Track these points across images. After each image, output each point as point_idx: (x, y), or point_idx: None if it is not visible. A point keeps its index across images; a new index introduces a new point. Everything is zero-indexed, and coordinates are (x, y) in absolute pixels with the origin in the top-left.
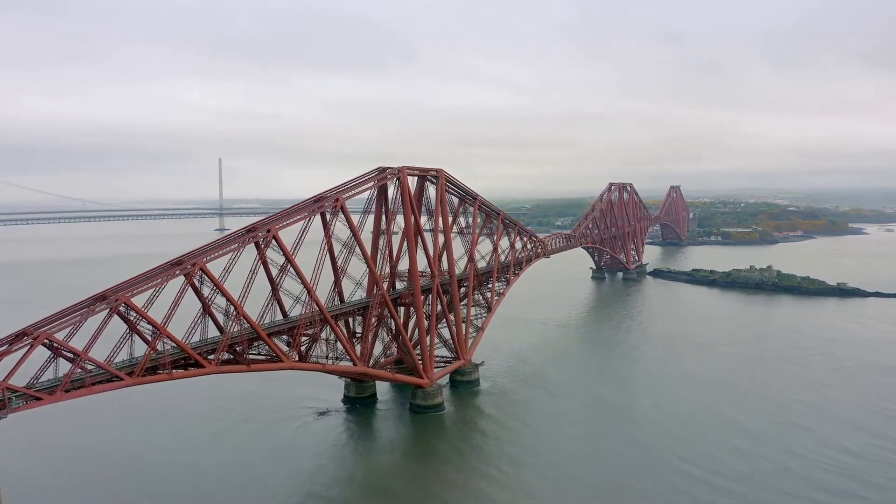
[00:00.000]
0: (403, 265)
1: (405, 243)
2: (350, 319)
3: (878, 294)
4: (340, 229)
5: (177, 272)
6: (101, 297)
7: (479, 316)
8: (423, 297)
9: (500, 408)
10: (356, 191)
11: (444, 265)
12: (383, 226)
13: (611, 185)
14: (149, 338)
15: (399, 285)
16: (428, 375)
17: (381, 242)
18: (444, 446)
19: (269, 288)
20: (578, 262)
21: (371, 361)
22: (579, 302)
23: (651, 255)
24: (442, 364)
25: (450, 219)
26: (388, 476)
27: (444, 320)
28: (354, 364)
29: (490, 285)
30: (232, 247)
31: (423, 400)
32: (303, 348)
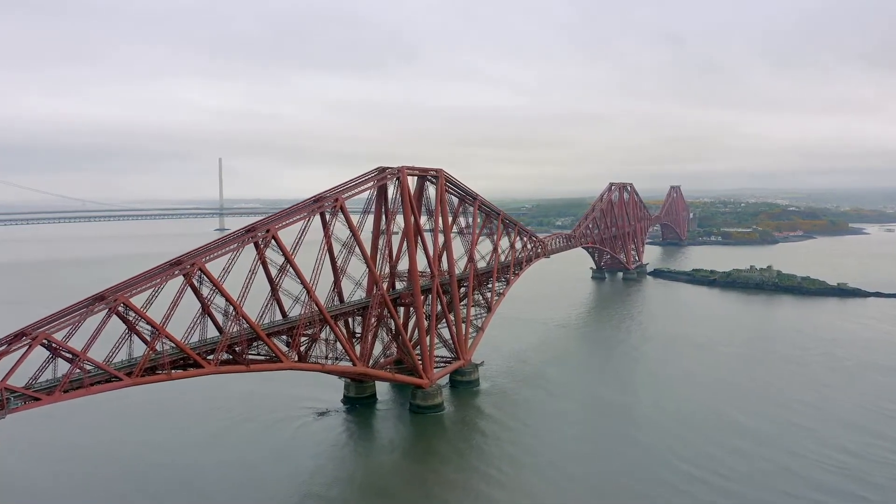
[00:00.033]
0: (403, 265)
1: (405, 243)
2: (350, 319)
3: (878, 294)
4: (340, 229)
5: (176, 272)
6: (99, 298)
7: (478, 316)
8: (422, 297)
9: (500, 408)
10: (356, 191)
11: (444, 265)
12: (383, 226)
13: (611, 185)
14: (148, 338)
15: (399, 285)
16: (428, 376)
17: (380, 242)
18: (443, 446)
19: (269, 288)
20: (578, 262)
21: (371, 362)
22: (579, 302)
23: (651, 255)
24: (442, 364)
25: (450, 219)
26: (388, 476)
27: (444, 320)
28: (354, 364)
29: (490, 285)
30: (231, 247)
31: (423, 400)
32: (302, 348)
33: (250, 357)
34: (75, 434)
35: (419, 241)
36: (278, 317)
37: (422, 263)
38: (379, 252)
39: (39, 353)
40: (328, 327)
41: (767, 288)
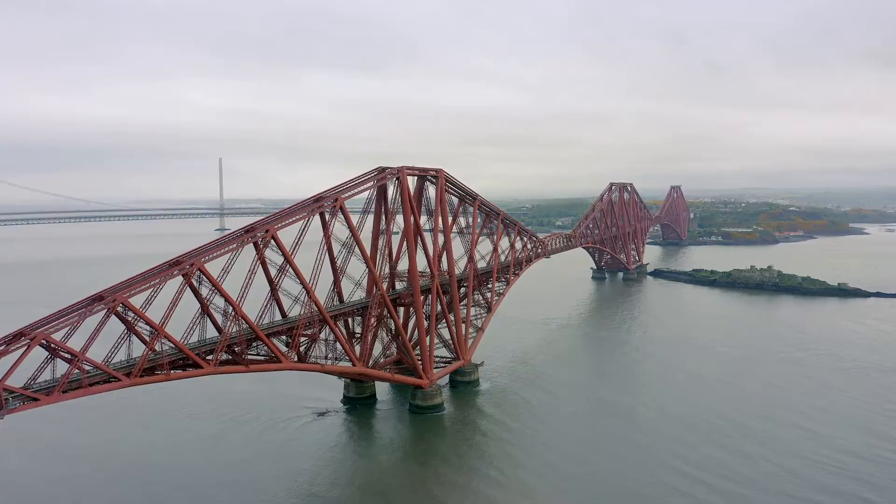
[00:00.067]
0: (403, 265)
1: (405, 243)
2: (349, 320)
3: (879, 294)
4: (340, 229)
5: (175, 272)
6: (98, 298)
7: (478, 316)
8: (422, 297)
9: (501, 408)
10: (355, 191)
11: (444, 265)
12: (383, 226)
13: (611, 185)
14: (147, 338)
15: (399, 285)
16: (427, 376)
17: (380, 242)
18: (443, 447)
19: (268, 288)
20: (579, 262)
21: (370, 362)
22: (579, 302)
23: (651, 256)
24: (442, 364)
25: (449, 219)
26: (388, 477)
27: (444, 320)
28: (353, 364)
29: (490, 285)
30: (230, 247)
31: (423, 400)
32: (302, 349)
33: (250, 357)
34: (74, 434)
35: (419, 241)
36: (278, 317)
37: (421, 263)
38: (379, 252)
39: (38, 354)
40: (328, 327)
41: (768, 288)
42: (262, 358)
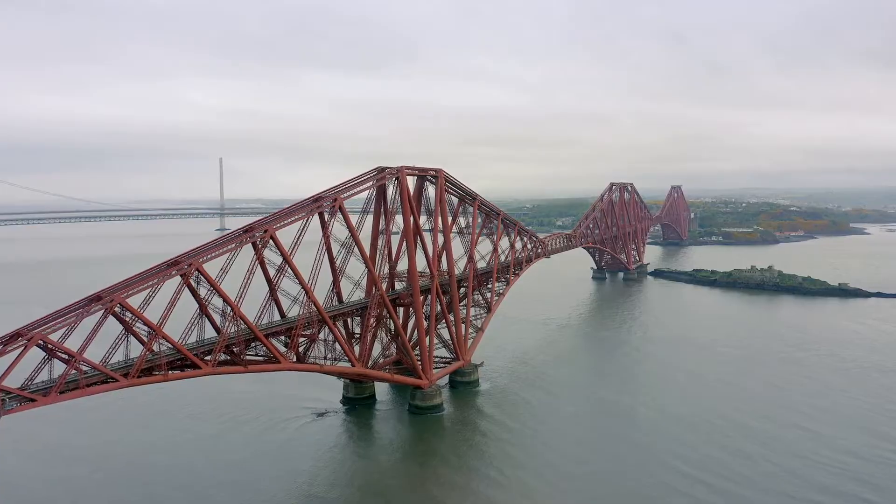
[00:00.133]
0: (402, 265)
1: (404, 243)
2: (348, 320)
3: (879, 294)
4: (339, 229)
5: (173, 272)
6: (96, 298)
7: (478, 316)
8: (422, 297)
9: (500, 408)
10: (355, 191)
11: (444, 265)
12: (382, 226)
13: (611, 184)
14: (145, 339)
15: (398, 286)
16: (427, 376)
17: (380, 242)
18: (443, 447)
19: (267, 288)
20: (579, 262)
21: (370, 362)
22: (580, 302)
23: (652, 255)
24: (441, 365)
25: (449, 219)
26: (387, 477)
27: (444, 321)
28: (353, 365)
29: (490, 285)
30: (229, 247)
31: (423, 401)
32: (301, 349)
33: (248, 358)
34: (72, 435)
35: (418, 241)
36: (277, 317)
37: (421, 264)
38: (378, 252)
39: (35, 354)
40: (327, 328)
41: (768, 288)
42: (261, 358)
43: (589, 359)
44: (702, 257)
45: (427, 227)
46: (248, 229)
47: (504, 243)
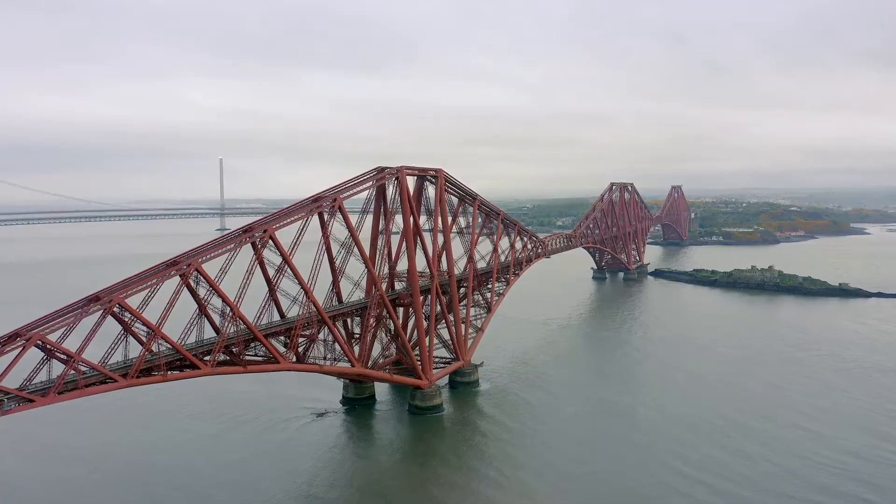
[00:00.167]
0: (402, 265)
1: (404, 243)
2: (348, 320)
3: (880, 294)
4: (339, 229)
5: (172, 273)
6: (94, 298)
7: (478, 316)
8: (422, 297)
9: (500, 409)
10: (354, 191)
11: (444, 265)
12: (382, 226)
13: (612, 184)
14: (143, 339)
15: (398, 286)
16: (427, 376)
17: (379, 242)
18: (443, 448)
19: (267, 289)
20: (579, 262)
21: (369, 362)
22: (580, 302)
23: (652, 255)
24: (441, 365)
25: (449, 219)
26: (387, 478)
27: (444, 321)
28: (352, 365)
29: (490, 286)
30: (228, 247)
31: (422, 401)
32: (300, 349)
33: (248, 358)
34: (71, 436)
35: (418, 241)
36: (276, 317)
37: (421, 264)
38: (378, 252)
39: (34, 355)
40: (326, 328)
41: (769, 288)
42: (261, 358)
43: (589, 359)
44: (702, 257)
45: (427, 227)
46: (247, 229)
47: (504, 243)
